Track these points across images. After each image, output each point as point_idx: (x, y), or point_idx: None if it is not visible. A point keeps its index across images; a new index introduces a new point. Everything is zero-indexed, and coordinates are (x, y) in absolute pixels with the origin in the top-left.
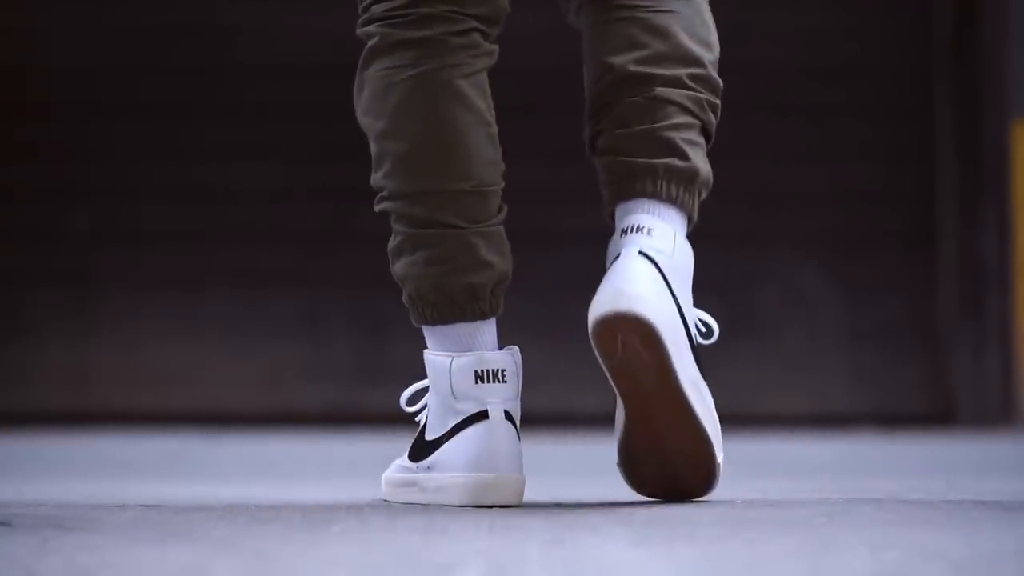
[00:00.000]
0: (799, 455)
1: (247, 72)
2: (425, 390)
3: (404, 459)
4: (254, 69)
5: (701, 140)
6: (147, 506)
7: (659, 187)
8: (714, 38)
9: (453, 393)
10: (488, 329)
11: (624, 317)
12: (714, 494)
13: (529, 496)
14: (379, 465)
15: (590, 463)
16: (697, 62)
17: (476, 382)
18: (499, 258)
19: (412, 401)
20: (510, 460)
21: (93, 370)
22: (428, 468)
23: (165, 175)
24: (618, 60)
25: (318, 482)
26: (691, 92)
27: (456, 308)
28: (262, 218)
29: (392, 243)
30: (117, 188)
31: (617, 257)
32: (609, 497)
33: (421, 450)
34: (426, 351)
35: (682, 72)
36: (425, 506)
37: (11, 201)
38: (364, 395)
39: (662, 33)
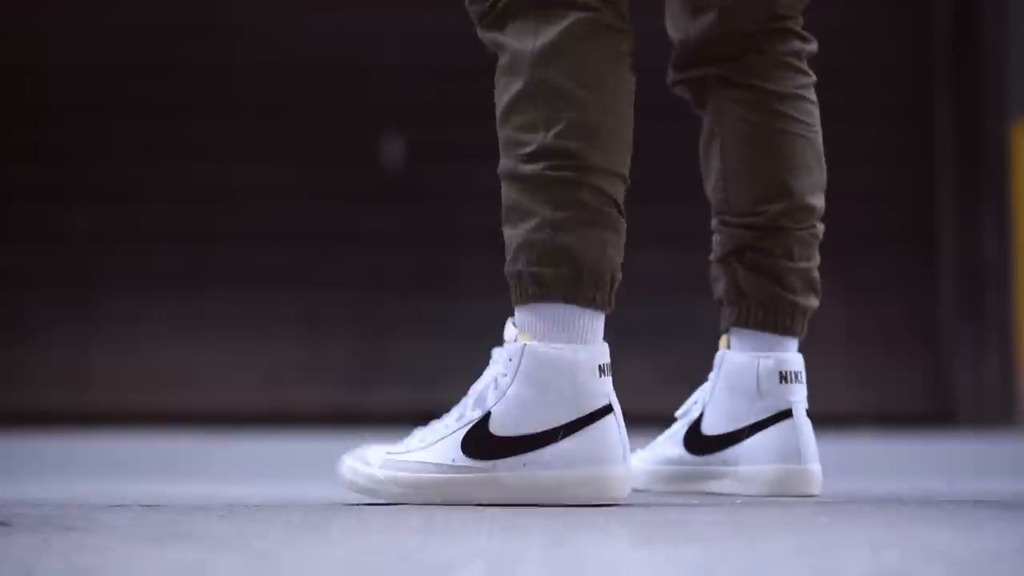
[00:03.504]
0: None
1: (247, 72)
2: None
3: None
4: (254, 69)
5: None
6: (147, 506)
7: (803, 327)
8: None
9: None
10: None
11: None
12: (715, 494)
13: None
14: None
15: None
16: (824, 189)
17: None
18: None
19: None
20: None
21: (93, 370)
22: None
23: (165, 175)
24: (799, 186)
25: (318, 482)
26: (822, 224)
27: (614, 297)
28: (262, 218)
29: (565, 213)
30: (117, 188)
31: (788, 413)
32: None
33: (501, 444)
34: (552, 346)
35: (822, 204)
36: (425, 505)
37: (11, 201)
38: (364, 395)
39: (820, 159)
